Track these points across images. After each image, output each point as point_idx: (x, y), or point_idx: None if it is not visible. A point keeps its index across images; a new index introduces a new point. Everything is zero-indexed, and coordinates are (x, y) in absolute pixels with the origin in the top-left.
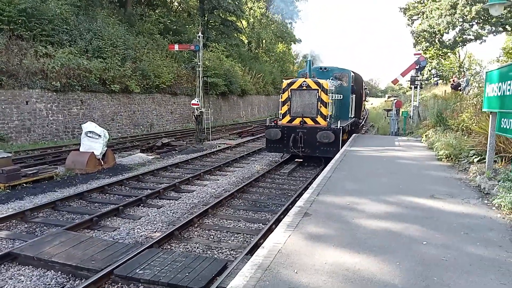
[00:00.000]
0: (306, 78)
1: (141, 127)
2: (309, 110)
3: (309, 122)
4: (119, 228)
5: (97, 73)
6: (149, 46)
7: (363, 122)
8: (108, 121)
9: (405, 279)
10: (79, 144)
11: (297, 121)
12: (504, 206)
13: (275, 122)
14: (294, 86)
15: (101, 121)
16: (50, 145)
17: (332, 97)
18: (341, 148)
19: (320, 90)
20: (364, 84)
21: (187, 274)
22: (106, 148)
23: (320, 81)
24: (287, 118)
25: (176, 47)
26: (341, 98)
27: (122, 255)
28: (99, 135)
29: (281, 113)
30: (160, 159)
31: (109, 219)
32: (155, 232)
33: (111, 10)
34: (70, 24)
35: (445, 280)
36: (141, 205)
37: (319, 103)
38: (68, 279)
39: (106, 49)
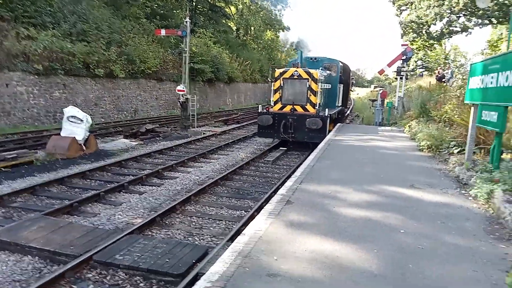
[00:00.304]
0: (297, 67)
1: (125, 112)
2: (300, 98)
3: (299, 109)
4: (99, 214)
5: (80, 57)
6: (135, 30)
7: (348, 112)
8: (91, 106)
9: (382, 267)
10: (61, 128)
11: (287, 108)
12: (480, 196)
13: (267, 109)
14: (286, 75)
15: (84, 105)
16: (31, 129)
17: (321, 86)
18: (327, 135)
19: (310, 79)
20: (351, 74)
21: (167, 260)
22: (88, 133)
23: (311, 71)
24: (279, 105)
25: (163, 32)
26: (330, 87)
27: (102, 241)
28: (82, 120)
29: (273, 100)
30: (143, 145)
31: (90, 205)
32: (136, 218)
33: None
34: (53, 6)
35: (420, 268)
36: (123, 191)
37: (309, 91)
38: (45, 265)
39: (90, 33)
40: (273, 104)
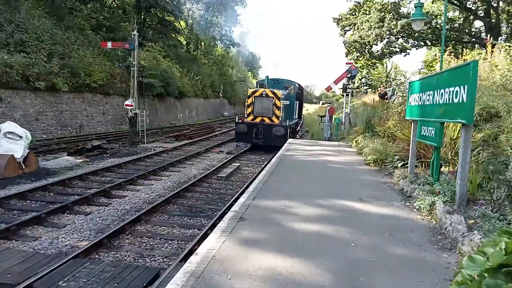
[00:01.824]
0: (265, 88)
1: (69, 128)
2: (267, 112)
3: (267, 120)
4: (40, 237)
5: (19, 68)
6: (80, 42)
7: (299, 127)
8: (31, 121)
9: (334, 281)
10: None
11: (258, 119)
12: (423, 208)
13: (242, 119)
14: (257, 94)
15: (24, 120)
16: None
17: (283, 102)
18: (287, 140)
19: (275, 97)
20: (303, 92)
21: (115, 284)
22: (28, 150)
23: (275, 91)
24: (251, 117)
25: (109, 44)
26: (288, 103)
27: (43, 266)
28: (20, 136)
29: (246, 113)
30: (89, 162)
31: (30, 227)
32: (82, 241)
33: (36, 1)
34: None
35: (371, 280)
36: (67, 212)
37: (274, 107)
38: None
39: (30, 43)
40: (246, 116)
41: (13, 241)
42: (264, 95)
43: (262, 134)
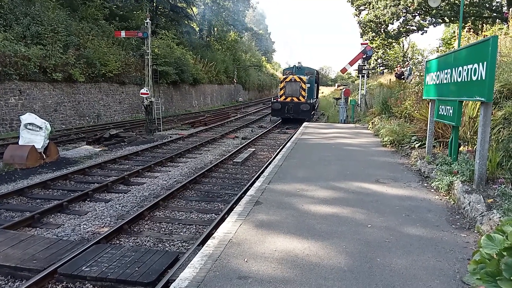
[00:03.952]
0: (294, 75)
1: (87, 118)
2: (296, 93)
3: (295, 99)
4: (63, 225)
5: (36, 60)
6: (94, 32)
7: (317, 106)
8: (50, 112)
9: (350, 262)
10: (18, 137)
11: (289, 99)
12: (441, 188)
13: (276, 99)
14: (287, 80)
15: (43, 112)
16: None
17: (307, 86)
18: (312, 113)
19: (301, 82)
20: (320, 76)
21: (136, 268)
22: (48, 140)
23: (301, 77)
24: (283, 97)
25: (123, 33)
26: (310, 86)
27: (67, 252)
28: (40, 127)
29: (279, 94)
30: (108, 151)
31: (53, 215)
32: (103, 227)
33: None
34: (4, 8)
35: (387, 261)
36: (88, 200)
37: (300, 89)
38: (6, 281)
39: (46, 35)
40: (279, 97)
41: (37, 228)
42: (293, 81)
43: (292, 110)
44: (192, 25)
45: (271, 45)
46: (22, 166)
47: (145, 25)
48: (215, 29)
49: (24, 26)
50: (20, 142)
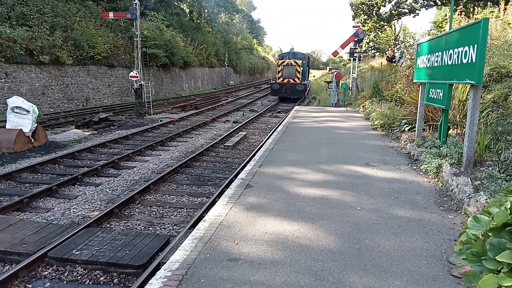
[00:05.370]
0: (290, 59)
1: (76, 101)
2: (292, 75)
3: (291, 81)
4: (53, 209)
5: (22, 42)
6: (81, 13)
7: (309, 88)
8: (38, 95)
9: (340, 243)
10: (5, 121)
11: (286, 80)
12: (430, 171)
13: (275, 81)
14: (285, 63)
15: (30, 95)
16: None
17: (301, 68)
18: (306, 92)
19: (296, 65)
20: (310, 60)
21: (127, 252)
22: (36, 124)
23: (297, 61)
24: (281, 79)
25: (111, 15)
26: (302, 69)
27: (57, 236)
28: (28, 111)
29: (277, 76)
30: (97, 135)
31: (42, 200)
32: (93, 211)
33: None
34: None
35: (376, 242)
36: (77, 184)
37: (296, 72)
38: None
39: (31, 16)
40: (277, 78)
41: (27, 212)
42: (289, 64)
43: (289, 90)
44: (182, 6)
45: (262, 28)
46: (9, 150)
47: (134, 6)
48: (206, 10)
49: (8, 7)
50: (7, 126)
